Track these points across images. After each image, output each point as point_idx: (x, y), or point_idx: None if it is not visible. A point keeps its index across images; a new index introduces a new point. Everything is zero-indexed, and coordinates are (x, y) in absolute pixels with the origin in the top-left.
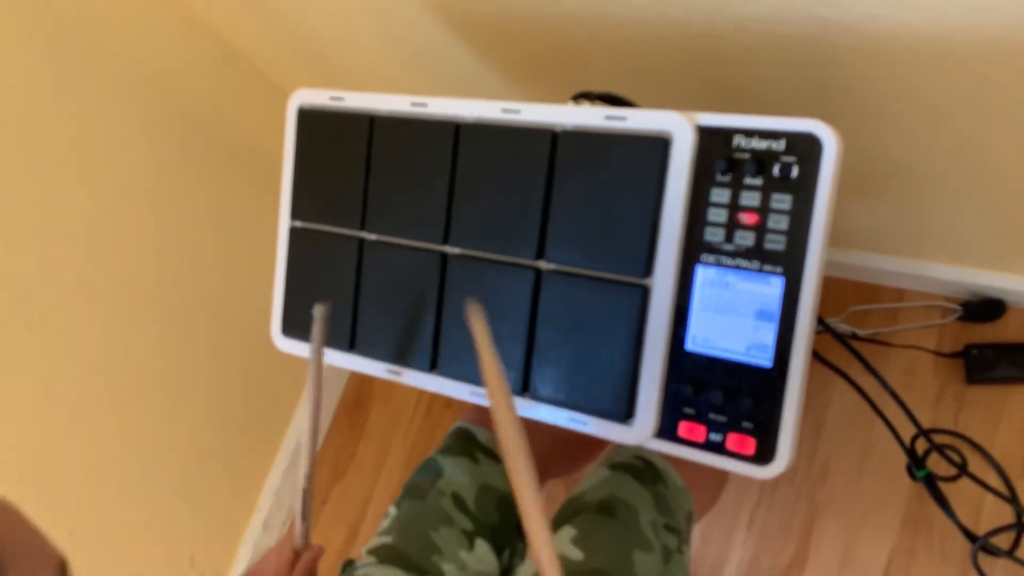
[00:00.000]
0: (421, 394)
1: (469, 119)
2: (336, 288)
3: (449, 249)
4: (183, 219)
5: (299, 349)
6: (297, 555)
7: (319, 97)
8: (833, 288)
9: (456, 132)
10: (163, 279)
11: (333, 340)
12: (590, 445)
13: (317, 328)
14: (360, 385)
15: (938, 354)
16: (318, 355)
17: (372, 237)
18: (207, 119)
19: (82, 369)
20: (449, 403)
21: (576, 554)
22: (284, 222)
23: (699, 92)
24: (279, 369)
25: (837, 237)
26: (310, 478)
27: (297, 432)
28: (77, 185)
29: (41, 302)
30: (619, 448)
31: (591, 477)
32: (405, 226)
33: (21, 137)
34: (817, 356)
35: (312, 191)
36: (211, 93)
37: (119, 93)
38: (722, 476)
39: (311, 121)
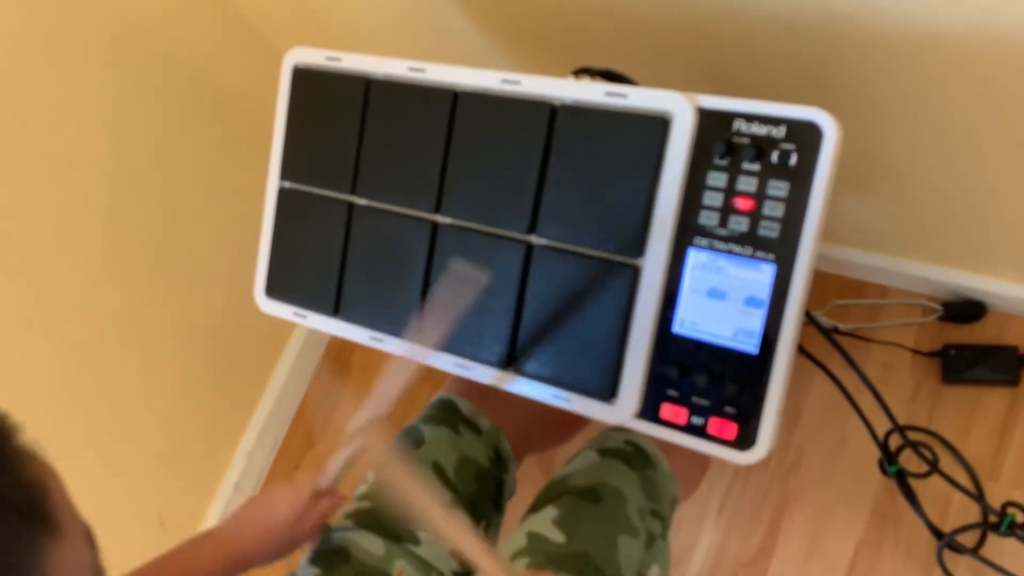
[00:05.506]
0: None
1: (468, 87)
2: (323, 252)
3: (440, 218)
4: (168, 172)
5: (282, 311)
6: (316, 498)
7: (315, 56)
8: (817, 281)
9: (453, 100)
10: (144, 232)
11: (317, 304)
12: (569, 424)
13: (461, 291)
14: (340, 353)
15: (916, 352)
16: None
17: (362, 202)
18: (199, 73)
19: (59, 316)
20: (429, 375)
21: (558, 536)
22: (273, 182)
23: (699, 75)
24: (258, 329)
25: (825, 231)
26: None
27: (273, 394)
28: (60, 132)
29: (19, 247)
30: (609, 433)
31: (579, 460)
32: (396, 193)
33: (3, 84)
34: (798, 347)
35: (303, 152)
36: (205, 47)
37: (110, 41)
38: (704, 463)
39: (306, 81)
